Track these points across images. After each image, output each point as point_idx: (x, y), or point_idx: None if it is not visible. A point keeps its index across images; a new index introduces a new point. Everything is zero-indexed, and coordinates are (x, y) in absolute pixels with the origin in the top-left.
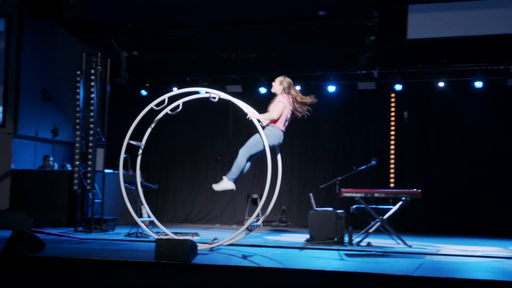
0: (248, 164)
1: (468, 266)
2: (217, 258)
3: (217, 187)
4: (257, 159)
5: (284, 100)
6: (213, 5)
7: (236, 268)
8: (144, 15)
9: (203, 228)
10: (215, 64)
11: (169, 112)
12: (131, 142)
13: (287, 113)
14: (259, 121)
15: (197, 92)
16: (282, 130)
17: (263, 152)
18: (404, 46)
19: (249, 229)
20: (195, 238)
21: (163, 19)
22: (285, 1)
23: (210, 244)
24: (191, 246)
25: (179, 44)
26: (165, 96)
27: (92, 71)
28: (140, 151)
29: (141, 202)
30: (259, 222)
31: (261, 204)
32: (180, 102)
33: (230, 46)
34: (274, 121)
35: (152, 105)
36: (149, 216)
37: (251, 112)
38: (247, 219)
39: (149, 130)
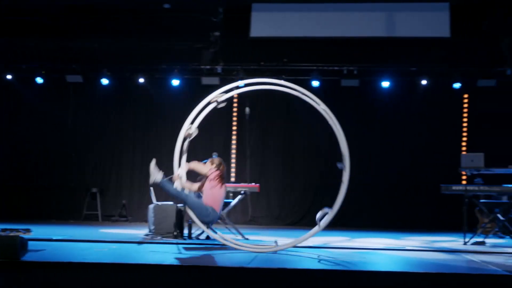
0: None
1: (299, 257)
2: (53, 255)
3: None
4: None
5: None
6: None
7: (72, 264)
8: None
9: (40, 224)
10: (54, 52)
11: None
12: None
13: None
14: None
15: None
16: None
17: None
18: (248, 43)
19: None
20: (27, 235)
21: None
22: None
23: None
24: (21, 243)
25: (16, 28)
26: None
27: None
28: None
29: None
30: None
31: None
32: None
33: (71, 35)
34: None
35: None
36: None
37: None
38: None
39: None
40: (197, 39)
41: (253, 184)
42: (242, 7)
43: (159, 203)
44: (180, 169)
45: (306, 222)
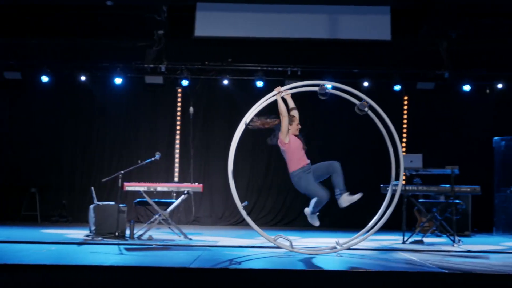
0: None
1: (243, 256)
2: None
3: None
4: None
5: None
6: None
7: (8, 266)
8: None
9: None
10: None
11: None
12: None
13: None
14: None
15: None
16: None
17: None
18: (192, 42)
19: None
20: None
21: None
22: None
23: None
24: None
25: None
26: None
27: None
28: None
29: None
30: None
31: None
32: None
33: (10, 31)
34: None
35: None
36: None
37: None
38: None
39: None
40: (141, 38)
41: (196, 184)
42: (186, 6)
43: (100, 203)
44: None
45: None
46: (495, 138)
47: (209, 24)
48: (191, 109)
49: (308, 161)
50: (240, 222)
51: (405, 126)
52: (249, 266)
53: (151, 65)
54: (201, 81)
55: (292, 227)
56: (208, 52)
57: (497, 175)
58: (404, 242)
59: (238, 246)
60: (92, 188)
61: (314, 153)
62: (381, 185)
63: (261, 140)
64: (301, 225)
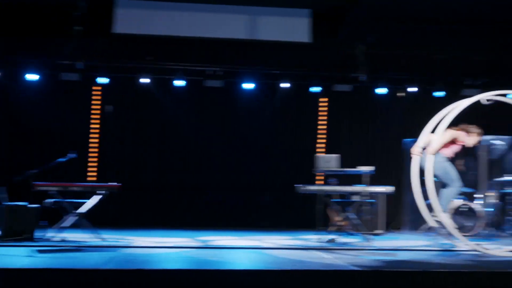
0: None
1: (159, 256)
2: None
3: None
4: None
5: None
6: None
7: None
8: None
9: None
10: None
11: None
12: None
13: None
14: None
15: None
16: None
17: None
18: (111, 39)
19: None
20: None
21: None
22: None
23: None
24: None
25: None
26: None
27: None
28: None
29: None
30: None
31: None
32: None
33: None
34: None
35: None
36: None
37: None
38: None
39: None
40: (57, 33)
41: (115, 184)
42: (105, 2)
43: (10, 203)
44: None
45: (171, 222)
46: (405, 140)
47: (128, 21)
48: (109, 107)
49: None
50: (160, 223)
51: (324, 127)
52: (165, 266)
53: (68, 62)
54: (119, 79)
55: (211, 227)
56: (128, 50)
57: (407, 175)
58: (318, 241)
59: (154, 247)
60: (3, 187)
61: (234, 150)
62: (295, 185)
63: (184, 137)
64: (221, 225)
